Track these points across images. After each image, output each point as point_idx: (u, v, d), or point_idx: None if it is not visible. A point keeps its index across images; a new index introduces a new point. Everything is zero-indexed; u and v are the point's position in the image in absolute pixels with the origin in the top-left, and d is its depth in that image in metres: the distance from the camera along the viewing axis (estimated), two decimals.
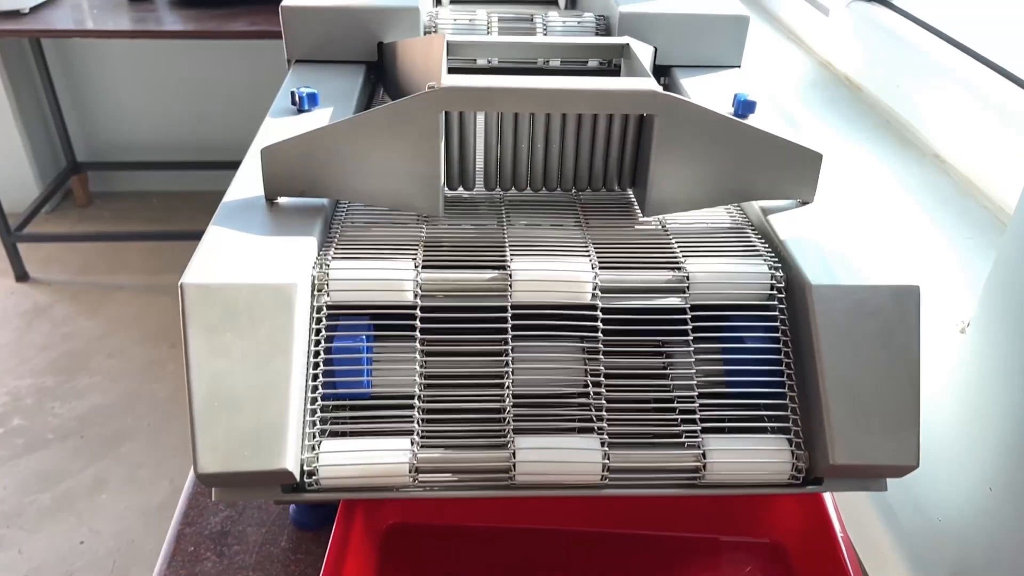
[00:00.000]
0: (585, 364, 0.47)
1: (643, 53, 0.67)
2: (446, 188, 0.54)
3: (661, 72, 0.75)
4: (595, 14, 0.77)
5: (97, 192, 2.53)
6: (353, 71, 0.71)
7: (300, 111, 0.62)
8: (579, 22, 0.76)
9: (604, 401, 0.45)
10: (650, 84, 0.49)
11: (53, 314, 1.97)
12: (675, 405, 0.45)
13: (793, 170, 0.51)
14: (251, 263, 0.44)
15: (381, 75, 0.73)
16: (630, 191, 0.57)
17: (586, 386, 0.47)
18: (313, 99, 0.62)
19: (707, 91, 0.69)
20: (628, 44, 0.59)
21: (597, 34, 0.76)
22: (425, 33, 0.74)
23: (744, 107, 0.64)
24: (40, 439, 1.64)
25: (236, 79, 2.35)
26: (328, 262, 0.46)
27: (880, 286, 0.45)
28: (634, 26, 0.72)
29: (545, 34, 0.75)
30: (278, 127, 0.59)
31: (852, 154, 0.80)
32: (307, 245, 0.46)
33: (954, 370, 0.57)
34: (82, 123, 2.43)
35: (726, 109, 0.65)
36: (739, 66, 0.74)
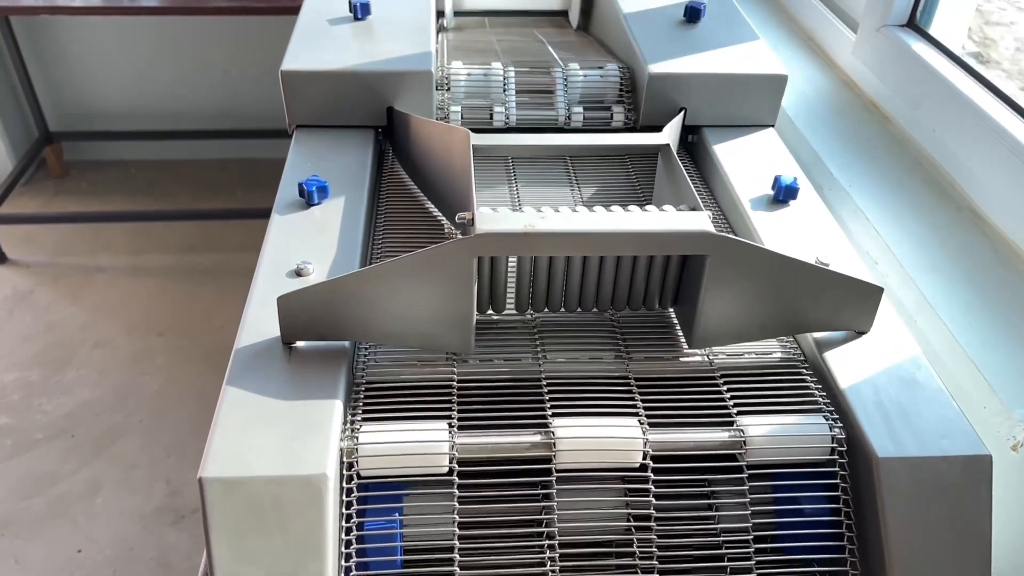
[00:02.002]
0: (627, 507, 0.45)
1: (672, 124, 0.62)
2: (476, 314, 0.50)
3: (689, 131, 0.70)
4: (618, 66, 0.71)
5: (72, 162, 2.43)
6: (361, 139, 0.65)
7: (309, 205, 0.57)
8: (601, 74, 0.70)
9: None
10: (702, 222, 0.44)
11: (34, 300, 1.91)
12: None
13: (851, 304, 0.48)
14: (275, 444, 0.40)
15: (391, 139, 0.68)
16: (671, 310, 0.53)
17: (631, 543, 0.44)
18: (324, 191, 0.57)
19: (742, 161, 0.65)
20: (668, 144, 0.54)
21: (621, 88, 0.70)
22: (437, 89, 0.68)
23: (786, 193, 0.60)
24: (29, 439, 1.60)
25: (213, 46, 2.24)
26: (357, 432, 0.42)
27: (950, 457, 0.42)
28: (664, 86, 0.67)
29: (566, 90, 0.70)
30: (287, 230, 0.54)
31: (882, 200, 0.76)
32: (332, 409, 0.42)
33: (1004, 491, 0.55)
34: (53, 92, 2.31)
35: (765, 192, 0.61)
36: (773, 125, 0.69)
